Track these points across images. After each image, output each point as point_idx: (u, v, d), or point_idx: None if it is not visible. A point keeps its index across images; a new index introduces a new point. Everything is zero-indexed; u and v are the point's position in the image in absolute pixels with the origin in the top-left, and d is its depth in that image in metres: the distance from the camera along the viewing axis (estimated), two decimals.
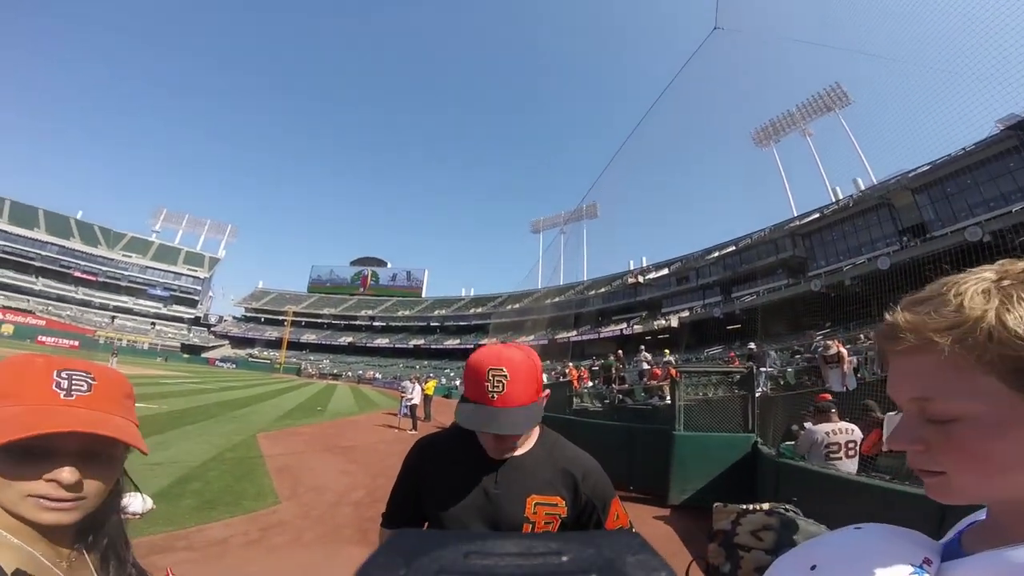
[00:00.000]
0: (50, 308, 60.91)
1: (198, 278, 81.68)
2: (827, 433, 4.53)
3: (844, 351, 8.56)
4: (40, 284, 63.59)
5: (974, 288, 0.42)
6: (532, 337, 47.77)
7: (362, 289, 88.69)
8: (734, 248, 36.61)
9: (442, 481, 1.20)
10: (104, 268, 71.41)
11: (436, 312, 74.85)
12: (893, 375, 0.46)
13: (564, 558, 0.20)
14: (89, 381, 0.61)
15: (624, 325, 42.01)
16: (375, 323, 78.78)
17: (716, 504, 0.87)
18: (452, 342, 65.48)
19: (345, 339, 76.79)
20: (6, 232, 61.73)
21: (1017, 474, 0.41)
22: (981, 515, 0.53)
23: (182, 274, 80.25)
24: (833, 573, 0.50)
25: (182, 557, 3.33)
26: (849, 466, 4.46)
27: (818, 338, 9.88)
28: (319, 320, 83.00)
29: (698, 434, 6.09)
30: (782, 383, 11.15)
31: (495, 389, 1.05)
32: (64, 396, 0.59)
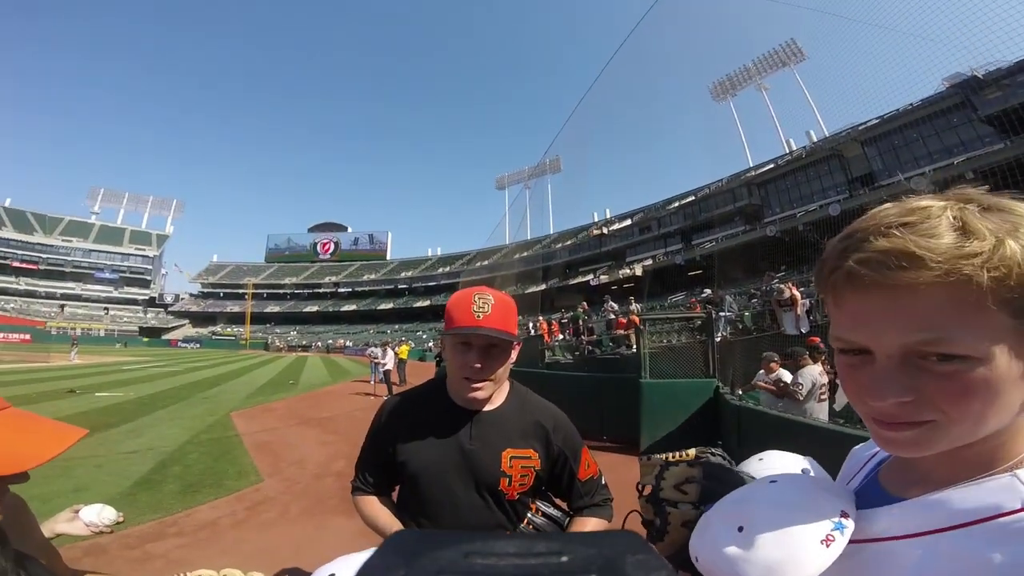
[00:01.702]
0: None
1: (147, 257, 77.70)
2: (819, 374, 4.79)
3: (797, 294, 9.03)
4: None
5: (965, 212, 0.38)
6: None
7: (323, 256, 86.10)
8: (694, 198, 37.70)
9: (414, 439, 1.18)
10: (44, 255, 67.10)
11: (403, 274, 73.84)
12: (879, 312, 0.40)
13: (564, 558, 0.20)
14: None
15: (591, 276, 42.72)
16: (340, 289, 77.24)
17: (640, 457, 0.93)
18: (422, 303, 65.18)
19: (311, 308, 75.21)
20: None
21: (1004, 416, 0.39)
22: (882, 452, 0.54)
23: (129, 254, 76.18)
24: (760, 536, 0.51)
25: (174, 543, 3.37)
26: (823, 409, 4.81)
27: (775, 281, 10.36)
28: (281, 291, 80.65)
29: (664, 381, 6.25)
30: (740, 327, 11.69)
31: (481, 309, 1.08)
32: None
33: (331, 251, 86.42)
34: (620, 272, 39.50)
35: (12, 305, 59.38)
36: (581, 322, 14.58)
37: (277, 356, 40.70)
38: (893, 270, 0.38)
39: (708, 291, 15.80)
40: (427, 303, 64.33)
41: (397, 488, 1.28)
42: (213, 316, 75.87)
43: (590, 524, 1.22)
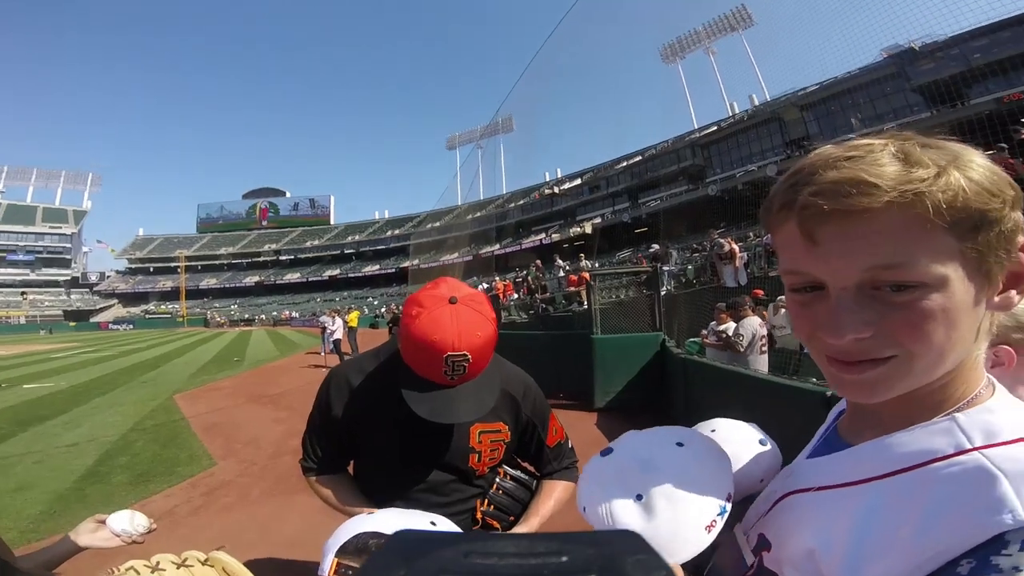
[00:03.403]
0: None
1: (64, 235, 70.90)
2: (759, 326, 5.02)
3: (736, 248, 9.59)
4: None
5: (906, 146, 0.39)
6: (456, 255, 47.64)
7: (262, 222, 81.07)
8: (640, 158, 38.52)
9: (371, 414, 1.10)
10: None
11: (349, 238, 71.02)
12: (836, 243, 0.39)
13: (564, 558, 0.20)
14: None
15: (543, 235, 43.15)
16: (281, 257, 73.55)
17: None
18: (371, 268, 63.46)
19: (251, 279, 71.37)
20: None
21: (960, 348, 0.40)
22: (842, 404, 0.55)
23: (44, 233, 69.52)
24: (655, 511, 0.52)
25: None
26: (764, 361, 5.07)
27: (715, 236, 10.90)
28: (217, 262, 75.74)
29: (614, 336, 6.41)
30: (684, 281, 12.28)
31: (455, 373, 0.93)
32: None
33: (269, 217, 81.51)
34: (571, 231, 40.22)
35: None
36: (534, 280, 14.80)
37: (219, 332, 38.70)
38: (848, 197, 0.37)
39: (655, 246, 16.38)
40: (376, 267, 62.77)
41: (352, 464, 1.23)
42: (144, 294, 70.44)
43: (559, 488, 1.21)
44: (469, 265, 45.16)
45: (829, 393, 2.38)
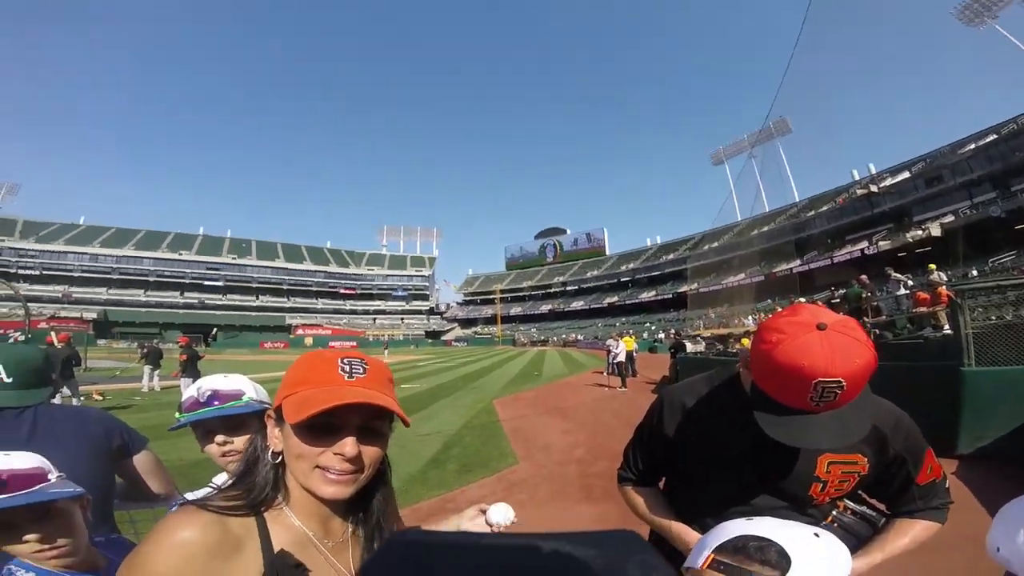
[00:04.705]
0: (331, 320, 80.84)
1: (424, 276, 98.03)
2: None
3: None
4: (320, 303, 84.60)
5: None
6: (743, 275, 42.97)
7: (550, 259, 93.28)
8: (996, 136, 28.86)
9: (702, 440, 1.11)
10: (358, 282, 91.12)
11: (623, 267, 73.83)
12: None
13: (564, 558, 0.20)
14: (364, 367, 0.72)
15: (864, 244, 34.41)
16: (568, 288, 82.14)
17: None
18: (647, 295, 63.81)
19: (545, 307, 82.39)
20: (287, 268, 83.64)
21: None
22: None
23: (412, 276, 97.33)
24: None
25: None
26: None
27: None
28: (520, 294, 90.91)
29: (997, 369, 4.75)
30: None
31: (823, 399, 0.85)
32: (347, 378, 0.68)
33: (555, 254, 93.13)
34: (907, 235, 30.70)
35: (343, 321, 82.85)
36: (858, 300, 11.65)
37: (523, 350, 45.91)
38: None
39: None
40: (652, 294, 62.59)
41: (664, 481, 1.28)
42: (474, 319, 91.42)
43: (918, 527, 1.06)
44: (761, 286, 39.77)
45: None
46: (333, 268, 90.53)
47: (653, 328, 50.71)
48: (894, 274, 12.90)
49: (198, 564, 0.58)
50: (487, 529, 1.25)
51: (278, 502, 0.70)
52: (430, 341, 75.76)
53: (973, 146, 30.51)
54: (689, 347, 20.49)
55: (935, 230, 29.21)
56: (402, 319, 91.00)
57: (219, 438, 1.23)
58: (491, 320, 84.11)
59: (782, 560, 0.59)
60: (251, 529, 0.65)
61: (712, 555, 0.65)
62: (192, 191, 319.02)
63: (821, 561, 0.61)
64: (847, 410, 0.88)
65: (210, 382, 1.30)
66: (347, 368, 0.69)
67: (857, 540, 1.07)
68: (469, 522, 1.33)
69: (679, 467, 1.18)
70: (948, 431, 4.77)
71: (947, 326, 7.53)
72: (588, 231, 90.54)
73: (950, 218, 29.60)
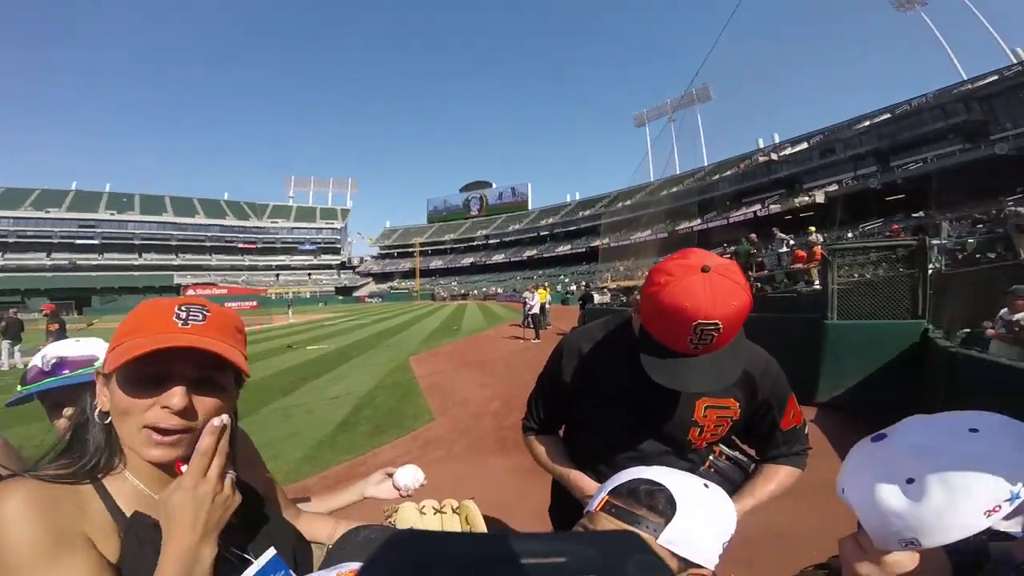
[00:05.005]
0: (226, 277, 73.82)
1: (336, 229, 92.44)
2: None
3: None
4: (214, 260, 76.87)
5: None
6: (649, 232, 45.70)
7: (474, 212, 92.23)
8: (889, 116, 32.76)
9: (597, 384, 1.13)
10: (259, 236, 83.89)
11: (543, 221, 75.13)
12: None
13: (564, 558, 0.20)
14: (204, 313, 0.65)
15: (758, 207, 38.02)
16: (490, 241, 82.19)
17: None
18: (563, 248, 65.98)
19: (467, 260, 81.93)
20: (176, 223, 74.80)
21: None
22: None
23: (322, 228, 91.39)
24: (928, 495, 0.48)
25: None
26: None
27: (1008, 203, 7.75)
28: (442, 247, 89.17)
29: (855, 322, 5.32)
30: (961, 258, 9.17)
31: (701, 342, 0.88)
32: (182, 325, 0.63)
33: (479, 207, 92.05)
34: (795, 200, 34.52)
35: (241, 278, 76.20)
36: (747, 256, 12.88)
37: (442, 305, 45.64)
38: None
39: (919, 214, 12.62)
40: (568, 247, 64.82)
41: (564, 428, 1.30)
42: (390, 274, 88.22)
43: (783, 472, 1.15)
44: (664, 243, 42.67)
45: None
46: (231, 221, 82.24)
47: (567, 280, 52.74)
48: (779, 234, 14.42)
49: (35, 537, 0.52)
50: (394, 493, 1.22)
51: (117, 467, 0.64)
52: (341, 298, 72.39)
53: (868, 123, 34.04)
54: (596, 298, 21.69)
55: (820, 197, 32.74)
56: (309, 275, 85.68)
57: (67, 411, 1.09)
58: (409, 274, 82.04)
59: (668, 507, 0.62)
60: (91, 497, 0.60)
61: (607, 497, 0.67)
62: (65, 144, 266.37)
63: (704, 511, 0.63)
64: (722, 353, 0.92)
65: (57, 348, 1.16)
66: (183, 315, 0.64)
67: (732, 486, 1.13)
68: (375, 487, 1.25)
69: (575, 412, 1.20)
70: (811, 380, 5.34)
71: (818, 282, 8.56)
72: (513, 185, 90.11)
73: (834, 187, 33.19)
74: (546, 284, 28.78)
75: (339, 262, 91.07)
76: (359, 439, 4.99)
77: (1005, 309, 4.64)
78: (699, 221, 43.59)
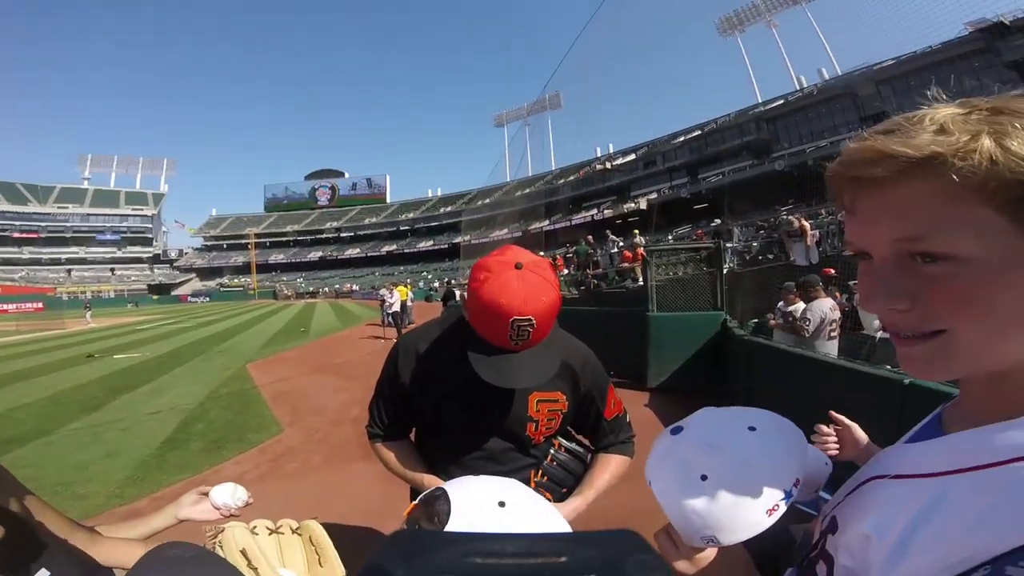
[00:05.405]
0: (1, 273, 57.48)
1: (146, 216, 77.99)
2: (830, 309, 4.55)
3: (807, 224, 8.84)
4: None
5: (951, 115, 0.36)
6: (506, 230, 47.79)
7: (323, 202, 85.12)
8: (700, 132, 37.87)
9: (433, 383, 1.12)
10: (43, 224, 67.83)
11: (404, 216, 73.26)
12: (869, 213, 0.39)
13: (564, 558, 0.20)
14: None
15: (595, 211, 42.47)
16: (343, 234, 77.05)
17: None
18: (425, 244, 65.20)
19: (315, 254, 75.46)
20: None
21: (1017, 330, 0.36)
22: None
23: (127, 215, 76.72)
24: (719, 494, 0.53)
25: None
26: (833, 347, 4.64)
27: (782, 213, 10.15)
28: (284, 239, 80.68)
29: (671, 314, 6.17)
30: (747, 259, 11.58)
31: (520, 337, 0.92)
32: None
33: (330, 197, 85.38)
34: (624, 206, 39.47)
35: (20, 275, 60.21)
36: (585, 256, 14.44)
37: (286, 304, 41.35)
38: (864, 167, 0.37)
39: (718, 220, 15.66)
40: (430, 243, 64.25)
41: (415, 432, 1.27)
42: (219, 269, 76.43)
43: (615, 461, 1.21)
44: (519, 241, 45.10)
45: (907, 381, 2.25)
46: (5, 207, 64.44)
47: (430, 277, 52.33)
48: (611, 236, 16.39)
49: None
50: (215, 514, 1.12)
51: None
52: (155, 297, 60.76)
53: (683, 138, 39.52)
54: (458, 295, 22.00)
55: (643, 204, 37.85)
56: (112, 270, 70.33)
57: None
58: (243, 269, 72.15)
59: (444, 517, 0.60)
60: None
61: (414, 504, 0.68)
62: None
63: (480, 524, 0.60)
64: (541, 347, 0.98)
65: None
66: None
67: (574, 478, 1.19)
68: (190, 508, 1.14)
69: (416, 413, 1.19)
70: (642, 367, 6.08)
71: (641, 279, 9.98)
72: (369, 176, 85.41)
73: (654, 195, 38.54)
74: (408, 281, 28.07)
75: (151, 255, 76.58)
76: (192, 456, 4.40)
77: (781, 303, 5.50)
78: (547, 222, 47.08)
